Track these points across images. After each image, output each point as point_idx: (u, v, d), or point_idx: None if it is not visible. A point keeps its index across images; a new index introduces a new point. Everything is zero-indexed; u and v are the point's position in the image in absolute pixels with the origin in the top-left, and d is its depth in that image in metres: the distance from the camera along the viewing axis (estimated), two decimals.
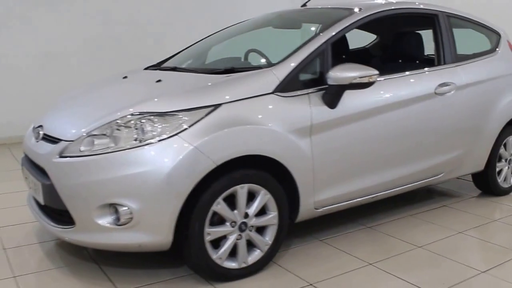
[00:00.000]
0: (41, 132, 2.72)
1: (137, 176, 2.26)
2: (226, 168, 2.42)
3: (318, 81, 2.77)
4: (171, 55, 3.85)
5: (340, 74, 2.68)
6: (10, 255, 2.85)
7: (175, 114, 2.38)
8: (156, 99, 2.50)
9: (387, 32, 4.14)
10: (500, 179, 3.99)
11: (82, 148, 2.40)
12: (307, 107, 2.68)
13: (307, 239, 3.12)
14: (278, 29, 3.73)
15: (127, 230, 2.32)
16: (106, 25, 6.87)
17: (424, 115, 3.24)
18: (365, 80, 2.70)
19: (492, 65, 3.80)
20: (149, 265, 2.72)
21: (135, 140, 2.34)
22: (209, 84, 2.59)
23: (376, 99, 2.97)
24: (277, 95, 2.62)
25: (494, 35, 4.00)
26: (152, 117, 2.38)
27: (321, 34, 2.88)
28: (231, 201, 2.49)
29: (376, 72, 2.71)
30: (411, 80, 3.21)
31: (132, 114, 2.41)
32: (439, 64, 3.47)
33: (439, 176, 3.53)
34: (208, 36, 3.94)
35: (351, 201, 3.02)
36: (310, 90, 2.73)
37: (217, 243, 2.50)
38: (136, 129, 2.37)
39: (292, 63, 2.71)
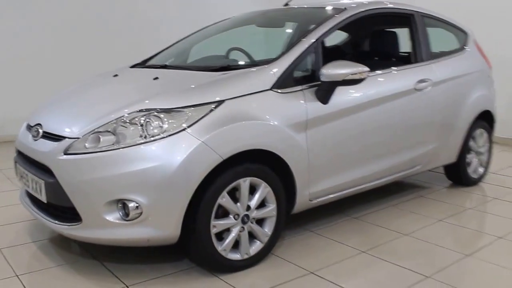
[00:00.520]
0: (40, 130, 2.70)
1: (146, 172, 2.30)
2: (230, 162, 2.49)
3: (311, 78, 2.88)
4: (154, 53, 3.87)
5: (333, 71, 2.80)
6: (7, 255, 2.81)
7: (181, 110, 2.43)
8: (161, 96, 2.54)
9: (368, 31, 4.32)
10: (470, 170, 4.24)
11: (87, 145, 2.41)
12: (303, 103, 2.79)
13: (299, 230, 3.22)
14: (261, 28, 3.83)
15: (136, 225, 2.35)
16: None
17: (406, 110, 3.42)
18: (357, 76, 2.83)
19: (462, 62, 4.03)
20: (151, 260, 2.75)
21: (141, 136, 2.38)
22: (210, 81, 2.66)
23: (363, 95, 3.11)
24: (274, 91, 2.71)
25: (462, 34, 4.24)
26: (159, 113, 2.42)
27: (312, 32, 2.99)
28: (232, 195, 2.57)
29: (367, 69, 2.85)
30: (394, 77, 3.39)
31: (139, 111, 2.44)
32: (416, 61, 3.66)
33: (417, 167, 3.72)
34: (191, 35, 3.99)
35: (341, 193, 3.16)
36: (304, 87, 2.84)
37: (219, 235, 2.57)
38: (142, 125, 2.40)
39: (287, 60, 2.81)
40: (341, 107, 2.97)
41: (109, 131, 2.43)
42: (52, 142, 2.55)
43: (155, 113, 2.43)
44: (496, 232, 3.27)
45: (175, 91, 2.62)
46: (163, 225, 2.37)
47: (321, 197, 3.03)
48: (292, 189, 2.82)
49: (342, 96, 2.99)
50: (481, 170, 4.37)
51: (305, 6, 3.63)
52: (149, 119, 2.41)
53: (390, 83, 3.33)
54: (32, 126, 2.84)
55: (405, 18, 3.70)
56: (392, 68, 3.43)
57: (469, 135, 4.09)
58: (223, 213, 2.55)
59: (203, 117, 2.43)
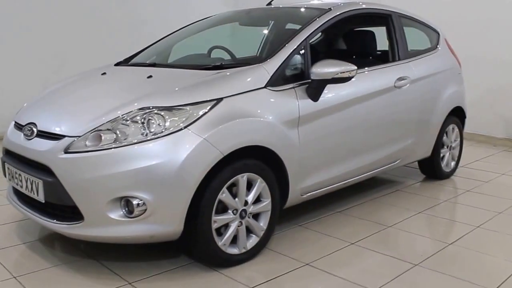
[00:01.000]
0: (34, 129, 2.67)
1: (151, 169, 2.33)
2: (228, 158, 2.54)
3: (302, 76, 2.97)
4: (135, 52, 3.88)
5: (323, 69, 2.90)
6: (0, 258, 2.77)
7: (183, 108, 2.47)
8: (161, 94, 2.57)
9: (350, 30, 4.45)
10: (443, 164, 4.44)
11: (88, 144, 2.42)
12: (295, 100, 2.88)
13: (288, 225, 3.31)
14: (244, 26, 3.90)
15: (139, 222, 2.38)
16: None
17: (387, 106, 3.57)
18: (346, 75, 2.94)
19: (436, 61, 4.23)
20: (147, 257, 2.77)
21: (143, 134, 2.40)
22: (207, 79, 2.70)
23: (350, 92, 3.23)
24: (268, 89, 2.79)
25: (434, 34, 4.44)
26: (161, 111, 2.45)
27: (301, 32, 3.08)
28: (229, 191, 2.62)
29: (355, 67, 2.97)
30: (376, 74, 3.53)
31: (140, 109, 2.46)
32: (394, 60, 3.82)
33: (396, 162, 3.88)
34: (173, 33, 4.01)
35: (329, 187, 3.27)
36: (295, 85, 2.92)
37: (217, 231, 2.62)
38: (143, 123, 2.43)
39: (280, 59, 2.89)
40: (329, 104, 3.07)
41: (110, 129, 2.44)
42: (50, 141, 2.54)
43: (157, 111, 2.46)
44: (473, 222, 3.45)
45: (174, 89, 2.65)
46: (167, 221, 2.41)
47: (311, 192, 3.12)
48: (285, 184, 2.90)
49: (331, 94, 3.09)
50: (453, 164, 4.59)
51: (289, 6, 3.72)
52: (151, 117, 2.43)
53: (374, 80, 3.47)
54: (23, 125, 2.80)
55: (384, 18, 3.85)
56: (375, 66, 3.57)
57: (443, 131, 4.29)
58: (222, 208, 2.60)
59: (203, 114, 2.48)
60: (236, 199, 2.63)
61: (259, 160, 2.73)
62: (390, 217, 3.52)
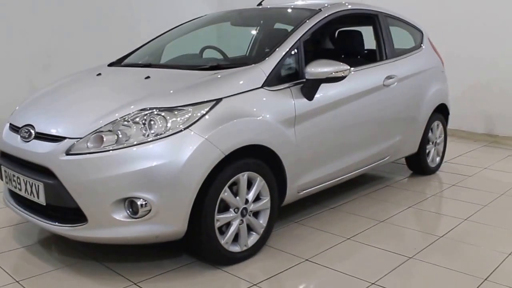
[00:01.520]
0: (32, 131, 2.67)
1: (154, 169, 2.36)
2: (229, 158, 2.58)
3: (296, 76, 3.03)
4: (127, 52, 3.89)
5: (317, 69, 2.97)
6: (0, 262, 2.75)
7: (183, 109, 2.51)
8: (162, 95, 2.60)
9: (339, 30, 4.54)
10: (429, 160, 4.57)
11: (89, 145, 2.43)
12: (291, 100, 2.94)
13: (285, 222, 3.37)
14: (236, 27, 3.94)
15: (144, 223, 2.40)
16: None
17: (377, 104, 3.66)
18: (339, 74, 3.01)
19: (420, 59, 4.34)
20: (149, 257, 2.80)
21: (144, 135, 2.43)
22: (206, 80, 2.74)
23: (342, 91, 3.31)
24: (265, 89, 2.84)
25: (418, 33, 4.56)
26: (162, 112, 2.48)
27: (294, 32, 3.14)
28: (230, 189, 2.67)
29: (348, 67, 3.04)
30: (367, 73, 3.62)
31: (141, 110, 2.49)
32: (382, 59, 3.91)
33: (386, 158, 3.98)
34: (165, 33, 4.03)
35: (323, 184, 3.34)
36: (290, 84, 2.98)
37: (219, 229, 2.66)
38: (144, 124, 2.45)
39: (275, 59, 2.95)
40: (324, 103, 3.14)
41: (111, 131, 2.46)
42: (50, 143, 2.54)
43: (158, 111, 2.48)
44: (461, 215, 3.56)
45: (174, 90, 2.68)
46: (172, 221, 2.44)
47: (307, 189, 3.19)
48: (283, 182, 2.96)
49: (324, 93, 3.16)
50: (438, 159, 4.72)
51: (279, 7, 3.78)
52: (152, 117, 2.46)
53: (364, 79, 3.55)
54: (20, 127, 2.79)
55: (371, 18, 3.95)
56: (364, 65, 3.66)
57: (428, 127, 4.41)
58: (224, 207, 2.65)
59: (204, 115, 2.52)
60: (237, 197, 2.68)
61: (258, 159, 2.78)
62: (382, 212, 3.61)
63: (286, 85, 2.96)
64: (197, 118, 2.49)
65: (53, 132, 2.58)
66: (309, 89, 3.02)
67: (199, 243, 2.60)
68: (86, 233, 2.47)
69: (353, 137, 3.47)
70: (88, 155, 2.41)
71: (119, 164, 2.37)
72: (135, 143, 2.40)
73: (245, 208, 2.72)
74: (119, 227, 2.42)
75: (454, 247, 3.04)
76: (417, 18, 4.79)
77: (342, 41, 4.11)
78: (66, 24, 6.54)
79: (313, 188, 3.24)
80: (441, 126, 4.65)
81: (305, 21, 3.26)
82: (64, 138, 2.50)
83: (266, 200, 2.84)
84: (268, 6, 3.97)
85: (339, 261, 2.81)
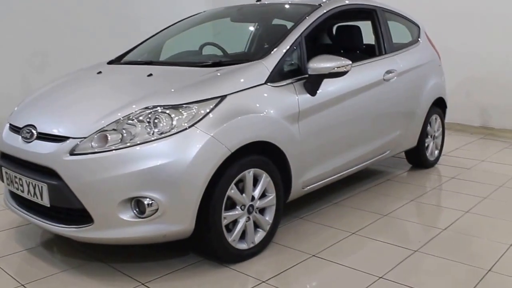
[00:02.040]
0: (34, 131, 2.63)
1: (160, 168, 2.33)
2: (235, 155, 2.57)
3: (299, 71, 3.02)
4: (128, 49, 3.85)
5: (319, 64, 2.96)
6: (3, 265, 2.70)
7: (188, 106, 2.48)
8: (166, 92, 2.58)
9: (337, 25, 4.53)
10: (428, 153, 4.58)
11: (94, 145, 2.40)
12: (295, 95, 2.93)
13: (289, 218, 3.36)
14: (235, 23, 3.92)
15: (151, 222, 2.38)
16: None
17: (378, 99, 3.66)
18: (342, 69, 3.00)
19: (418, 53, 4.34)
20: (155, 257, 2.77)
21: (149, 133, 2.40)
22: (209, 76, 2.72)
23: (344, 86, 3.30)
24: (269, 85, 2.83)
25: (414, 27, 4.56)
26: (167, 110, 2.46)
27: (296, 28, 3.13)
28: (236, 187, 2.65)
29: (350, 62, 3.04)
30: (368, 68, 3.61)
31: (145, 108, 2.46)
32: (381, 53, 3.91)
33: (386, 153, 3.98)
34: (164, 29, 4.00)
35: (327, 180, 3.34)
36: (293, 80, 2.97)
37: (226, 227, 2.64)
38: (149, 122, 2.43)
39: (278, 55, 2.93)
40: (327, 98, 3.14)
41: (115, 130, 2.43)
42: (53, 143, 2.51)
43: (163, 109, 2.46)
44: (462, 208, 3.58)
45: (177, 87, 2.66)
46: (179, 220, 2.42)
47: (311, 185, 3.19)
48: (287, 178, 2.95)
49: (327, 88, 3.15)
50: (436, 152, 4.73)
51: (278, 3, 3.76)
52: (158, 116, 2.44)
53: (365, 74, 3.55)
54: (20, 128, 2.75)
55: (370, 13, 3.94)
56: (364, 60, 3.65)
57: (427, 121, 4.41)
58: (230, 205, 2.63)
59: (209, 112, 2.50)
60: (244, 194, 2.66)
61: (263, 155, 2.77)
62: (384, 206, 3.61)
63: (289, 81, 2.95)
64: (202, 116, 2.47)
65: (56, 132, 2.55)
66: (312, 84, 3.02)
67: (206, 242, 2.58)
68: (92, 234, 2.44)
69: (356, 132, 3.48)
70: (92, 155, 2.38)
71: (125, 163, 2.34)
72: (140, 142, 2.38)
73: (251, 205, 2.71)
74: (126, 227, 2.39)
75: (457, 240, 3.05)
76: (411, 12, 4.79)
77: (341, 36, 4.11)
78: (62, 22, 6.45)
79: (317, 184, 3.24)
80: (439, 120, 4.67)
81: (306, 17, 3.24)
82: (68, 138, 2.47)
83: (272, 197, 2.83)
84: (267, 2, 3.95)
85: (345, 256, 2.81)
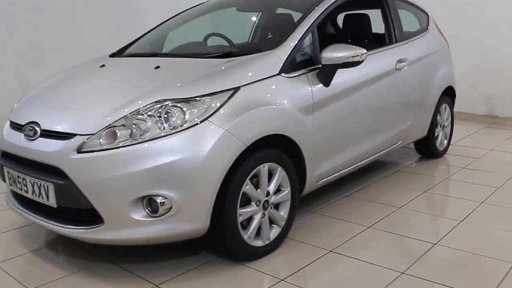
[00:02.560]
0: (37, 129, 2.50)
1: (173, 165, 2.22)
2: (249, 149, 2.46)
3: (312, 62, 2.91)
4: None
5: (333, 54, 2.84)
6: (7, 269, 2.58)
7: (200, 99, 2.37)
8: (176, 85, 2.46)
9: (346, 13, 4.40)
10: (437, 143, 4.49)
11: (102, 142, 2.29)
12: (308, 86, 2.82)
13: (301, 212, 3.25)
14: (239, 12, 3.80)
15: (165, 221, 2.27)
16: None
17: (390, 89, 3.56)
18: (357, 58, 2.89)
19: (427, 42, 4.24)
20: (167, 256, 2.67)
21: (160, 128, 2.29)
22: (221, 68, 2.60)
23: (357, 76, 3.19)
24: (282, 76, 2.71)
25: (423, 15, 4.45)
26: (178, 103, 2.34)
27: (308, 16, 3.01)
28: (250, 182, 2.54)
29: (365, 51, 2.92)
30: (380, 57, 3.50)
31: (155, 102, 2.35)
32: (391, 42, 3.80)
33: (398, 143, 3.89)
34: (166, 21, 3.86)
35: (341, 172, 3.24)
36: (306, 70, 2.86)
37: (241, 223, 2.54)
38: (159, 117, 2.31)
39: (291, 44, 2.81)
40: (340, 89, 3.03)
41: (124, 125, 2.31)
42: (58, 141, 2.38)
43: (174, 103, 2.34)
44: (477, 198, 3.50)
45: (188, 79, 2.54)
46: (193, 218, 2.31)
47: (326, 178, 3.09)
48: (302, 172, 2.85)
49: (340, 78, 3.04)
50: (445, 142, 4.65)
51: None
52: (169, 110, 2.32)
53: (377, 63, 3.44)
54: (23, 125, 2.62)
55: (380, 1, 3.82)
56: (376, 49, 3.54)
57: (437, 110, 4.32)
58: (245, 201, 2.52)
59: (222, 105, 2.39)
60: (258, 190, 2.56)
61: (277, 149, 2.66)
62: (398, 198, 3.52)
63: (302, 71, 2.84)
64: (215, 109, 2.36)
65: (61, 129, 2.42)
66: (326, 74, 2.90)
67: (221, 240, 2.48)
68: (102, 235, 2.33)
69: (369, 123, 3.38)
70: (101, 152, 2.26)
71: (136, 160, 2.22)
72: (151, 137, 2.26)
73: (266, 201, 2.60)
74: (138, 227, 2.28)
75: (475, 231, 2.97)
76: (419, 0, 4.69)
77: (351, 25, 3.99)
78: (59, 17, 6.26)
79: (331, 177, 3.14)
80: (448, 109, 4.58)
81: (317, 5, 3.12)
82: (74, 135, 2.35)
83: (286, 192, 2.72)
84: None
85: (363, 251, 2.72)
